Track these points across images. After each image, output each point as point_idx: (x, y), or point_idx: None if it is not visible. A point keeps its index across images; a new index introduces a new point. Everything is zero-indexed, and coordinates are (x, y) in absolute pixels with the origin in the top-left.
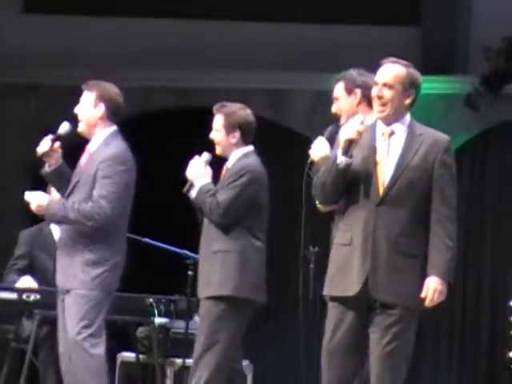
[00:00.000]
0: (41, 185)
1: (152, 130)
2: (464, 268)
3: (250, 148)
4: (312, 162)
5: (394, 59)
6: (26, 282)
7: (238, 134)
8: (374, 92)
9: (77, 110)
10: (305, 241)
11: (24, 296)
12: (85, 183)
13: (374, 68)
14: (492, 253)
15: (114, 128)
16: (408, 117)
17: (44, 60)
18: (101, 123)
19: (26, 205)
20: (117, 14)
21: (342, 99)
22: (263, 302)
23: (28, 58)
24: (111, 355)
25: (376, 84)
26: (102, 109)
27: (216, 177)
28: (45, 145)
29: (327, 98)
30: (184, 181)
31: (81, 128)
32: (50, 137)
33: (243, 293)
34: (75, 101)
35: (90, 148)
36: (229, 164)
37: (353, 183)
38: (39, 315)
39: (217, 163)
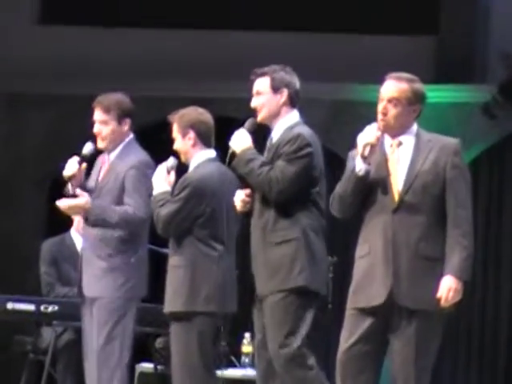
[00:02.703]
0: (57, 197)
1: (167, 141)
2: (484, 272)
3: (210, 154)
4: (233, 154)
5: (397, 74)
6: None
7: (192, 135)
8: (379, 108)
9: (99, 130)
10: None
11: (42, 307)
12: (109, 192)
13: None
14: (511, 257)
15: (130, 136)
16: (415, 127)
17: (60, 71)
18: (123, 137)
19: (43, 218)
20: (131, 25)
21: (267, 96)
22: (226, 310)
23: (43, 69)
24: (130, 365)
25: (381, 100)
26: (128, 123)
27: None
28: (72, 167)
29: (343, 108)
30: None
31: (105, 146)
32: (75, 159)
33: (195, 307)
34: (91, 111)
35: (110, 157)
36: (188, 171)
37: (367, 194)
38: (57, 326)
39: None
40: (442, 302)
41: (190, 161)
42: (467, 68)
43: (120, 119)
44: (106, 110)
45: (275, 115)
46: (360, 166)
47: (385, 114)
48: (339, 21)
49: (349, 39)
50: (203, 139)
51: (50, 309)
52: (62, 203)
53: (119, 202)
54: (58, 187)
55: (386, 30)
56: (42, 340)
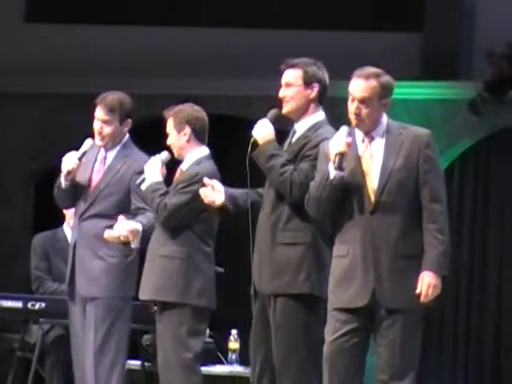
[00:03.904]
0: (43, 194)
1: (156, 138)
2: (470, 270)
3: (205, 152)
4: (255, 144)
5: (364, 72)
6: None
7: (188, 131)
8: (351, 108)
9: (100, 129)
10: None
11: (29, 304)
12: (111, 195)
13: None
14: (497, 256)
15: (127, 136)
16: (384, 119)
17: (46, 69)
18: (123, 136)
19: (30, 214)
20: (118, 22)
21: (297, 88)
22: (212, 307)
23: (30, 67)
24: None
25: (352, 100)
26: (129, 124)
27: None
28: (71, 162)
29: (334, 105)
30: None
31: (105, 143)
32: (74, 154)
33: (188, 299)
34: (76, 109)
35: (108, 157)
36: (183, 166)
37: (344, 196)
38: (45, 324)
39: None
40: (422, 298)
41: (183, 156)
42: (453, 65)
43: (122, 120)
44: (110, 110)
45: (303, 110)
46: (333, 174)
47: (358, 115)
48: (324, 18)
49: (334, 36)
50: (198, 136)
51: (38, 306)
52: (117, 230)
53: (123, 204)
54: (45, 183)
55: (372, 26)
56: (29, 337)
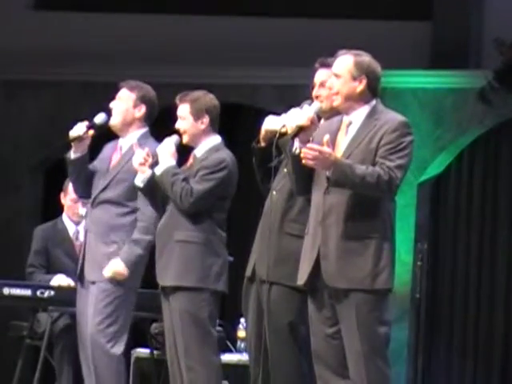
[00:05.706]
0: (51, 183)
1: (164, 126)
2: (479, 259)
3: (219, 139)
4: (283, 134)
5: (345, 51)
6: (61, 280)
7: (206, 120)
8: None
9: (114, 105)
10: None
11: (38, 292)
12: (124, 180)
13: (385, 64)
14: (507, 246)
15: (146, 129)
16: (372, 103)
17: (54, 56)
18: (137, 123)
19: (39, 203)
20: (127, 10)
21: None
22: (226, 291)
23: (39, 55)
24: (126, 351)
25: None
26: (142, 110)
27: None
28: (78, 130)
29: None
30: None
31: (114, 122)
32: (85, 123)
33: (207, 283)
34: (86, 97)
35: (123, 145)
36: (197, 153)
37: (313, 174)
38: (53, 312)
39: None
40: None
41: (195, 143)
42: (462, 54)
43: (136, 102)
44: (130, 89)
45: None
46: (295, 145)
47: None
48: (333, 6)
49: (344, 24)
50: (213, 124)
51: (47, 294)
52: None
53: (131, 193)
54: (54, 172)
55: (380, 15)
56: (38, 325)
